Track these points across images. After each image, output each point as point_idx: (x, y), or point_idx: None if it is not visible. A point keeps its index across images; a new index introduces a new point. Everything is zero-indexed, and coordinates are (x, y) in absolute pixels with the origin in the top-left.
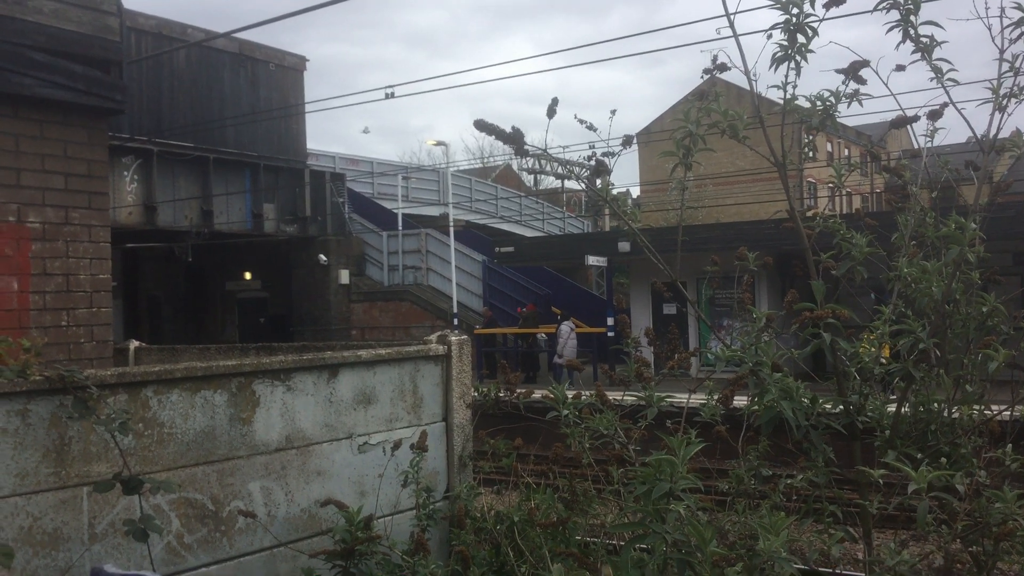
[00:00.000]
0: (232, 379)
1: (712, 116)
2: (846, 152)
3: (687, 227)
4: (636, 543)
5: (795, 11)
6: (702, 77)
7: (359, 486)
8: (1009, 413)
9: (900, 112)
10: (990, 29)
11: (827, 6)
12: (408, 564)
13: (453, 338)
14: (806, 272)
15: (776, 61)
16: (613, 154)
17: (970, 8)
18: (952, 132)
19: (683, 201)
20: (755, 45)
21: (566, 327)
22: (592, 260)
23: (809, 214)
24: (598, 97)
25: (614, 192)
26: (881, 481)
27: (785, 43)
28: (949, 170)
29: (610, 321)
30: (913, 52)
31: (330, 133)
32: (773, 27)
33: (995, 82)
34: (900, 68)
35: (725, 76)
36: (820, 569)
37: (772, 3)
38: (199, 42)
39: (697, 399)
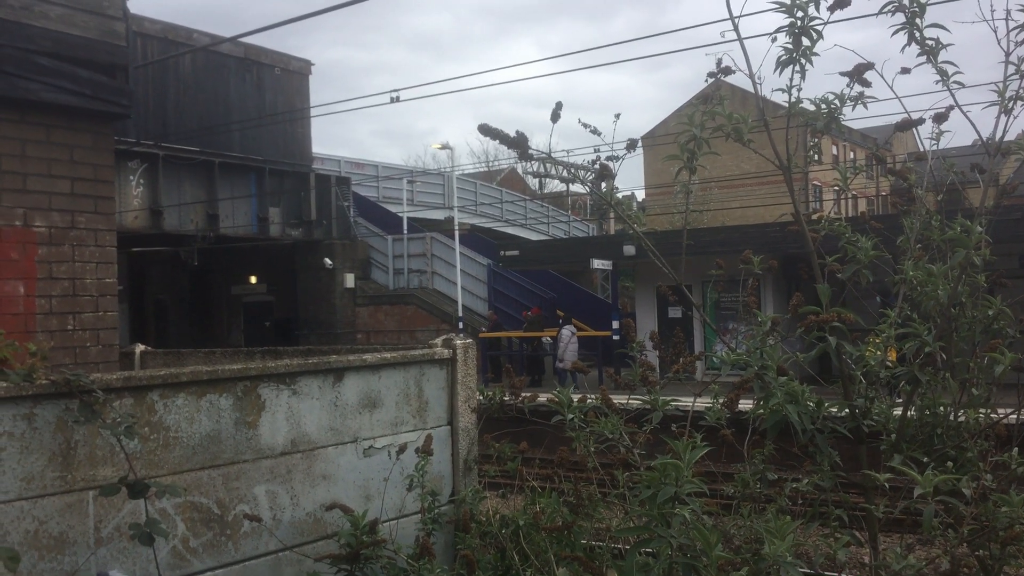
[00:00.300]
0: (238, 383)
1: (717, 119)
2: (851, 155)
3: (692, 230)
4: (641, 547)
5: (800, 14)
6: (707, 80)
7: (364, 490)
8: (1015, 416)
9: (905, 115)
10: (996, 32)
11: (832, 9)
12: (413, 568)
13: (458, 342)
14: (811, 275)
15: (781, 64)
16: (617, 158)
17: (976, 10)
18: (958, 135)
19: (688, 205)
20: (760, 48)
21: (567, 331)
22: (597, 264)
23: (814, 217)
24: (602, 100)
25: (619, 196)
26: (887, 485)
27: (790, 46)
28: (955, 173)
29: (615, 324)
30: (919, 55)
31: (335, 137)
32: (778, 30)
33: (1001, 85)
34: (905, 71)
35: (730, 79)
36: (826, 573)
37: (777, 6)
38: (205, 47)
39: (702, 403)
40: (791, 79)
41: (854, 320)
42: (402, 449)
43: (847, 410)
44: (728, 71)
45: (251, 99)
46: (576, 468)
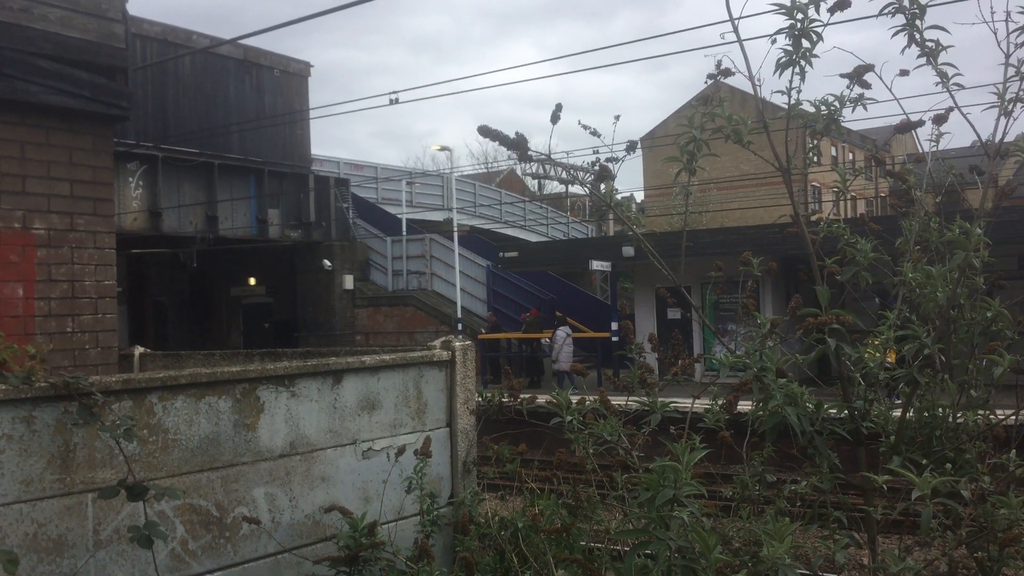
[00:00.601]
0: (236, 385)
1: (716, 121)
2: (850, 156)
3: (691, 232)
4: (640, 549)
5: (800, 16)
6: (706, 82)
7: (363, 492)
8: (1014, 418)
9: (905, 116)
10: (996, 33)
11: (832, 10)
12: (412, 570)
13: (457, 343)
14: (810, 277)
15: (781, 66)
16: (617, 159)
17: (976, 12)
18: (957, 136)
19: (687, 206)
20: (759, 50)
21: (562, 332)
22: (596, 265)
23: (813, 219)
24: (602, 101)
25: (618, 197)
26: (886, 487)
27: (790, 48)
28: (954, 175)
29: (614, 326)
30: (918, 56)
31: (335, 138)
32: (778, 32)
33: (1001, 86)
34: (905, 73)
35: (729, 81)
36: (825, 575)
37: (777, 8)
38: (204, 48)
39: (701, 404)
40: (791, 81)
41: (853, 322)
42: (401, 451)
43: (846, 412)
44: (728, 73)
45: (250, 101)
46: (575, 470)
